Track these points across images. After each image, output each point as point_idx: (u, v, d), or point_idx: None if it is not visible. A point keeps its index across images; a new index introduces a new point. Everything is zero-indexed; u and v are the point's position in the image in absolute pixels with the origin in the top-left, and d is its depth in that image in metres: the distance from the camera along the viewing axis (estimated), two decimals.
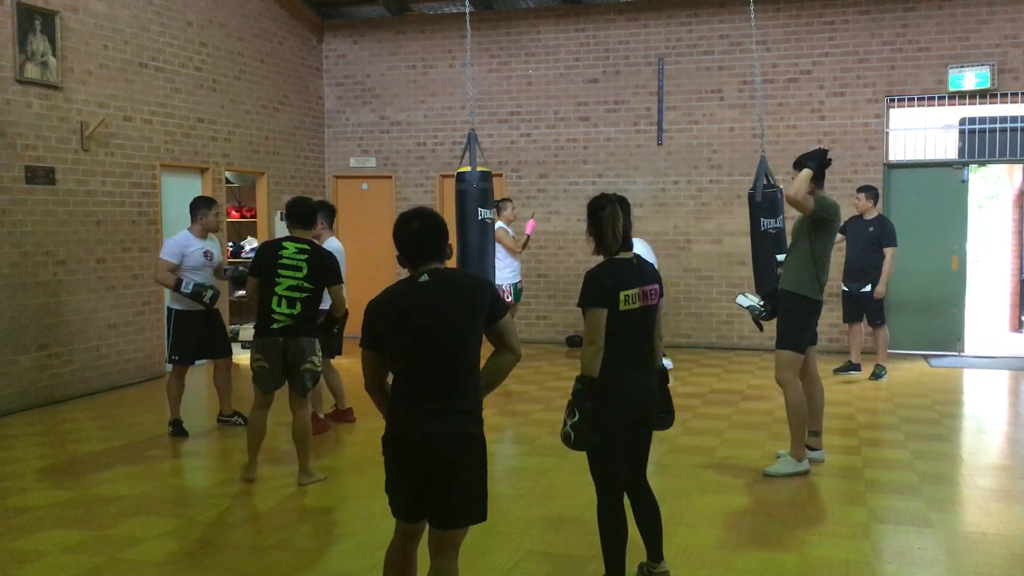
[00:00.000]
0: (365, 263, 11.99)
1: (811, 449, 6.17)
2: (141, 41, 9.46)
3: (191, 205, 7.33)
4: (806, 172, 5.75)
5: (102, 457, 6.59)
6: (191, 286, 6.99)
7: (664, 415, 4.16)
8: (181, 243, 7.13)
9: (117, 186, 9.14)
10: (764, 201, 7.52)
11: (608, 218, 3.92)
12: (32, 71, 8.15)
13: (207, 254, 7.18)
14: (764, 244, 7.58)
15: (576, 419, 3.75)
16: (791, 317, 5.96)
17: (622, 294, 3.85)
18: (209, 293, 7.06)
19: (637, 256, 4.03)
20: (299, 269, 5.71)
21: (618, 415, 3.88)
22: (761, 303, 6.40)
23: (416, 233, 3.35)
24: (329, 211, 7.34)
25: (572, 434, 3.77)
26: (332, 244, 7.11)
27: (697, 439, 6.96)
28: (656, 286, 4.02)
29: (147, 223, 9.52)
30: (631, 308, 3.88)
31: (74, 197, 8.63)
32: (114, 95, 9.10)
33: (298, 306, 5.69)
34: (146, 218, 9.51)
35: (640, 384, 3.98)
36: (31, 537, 4.94)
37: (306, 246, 5.81)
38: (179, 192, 10.08)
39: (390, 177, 12.74)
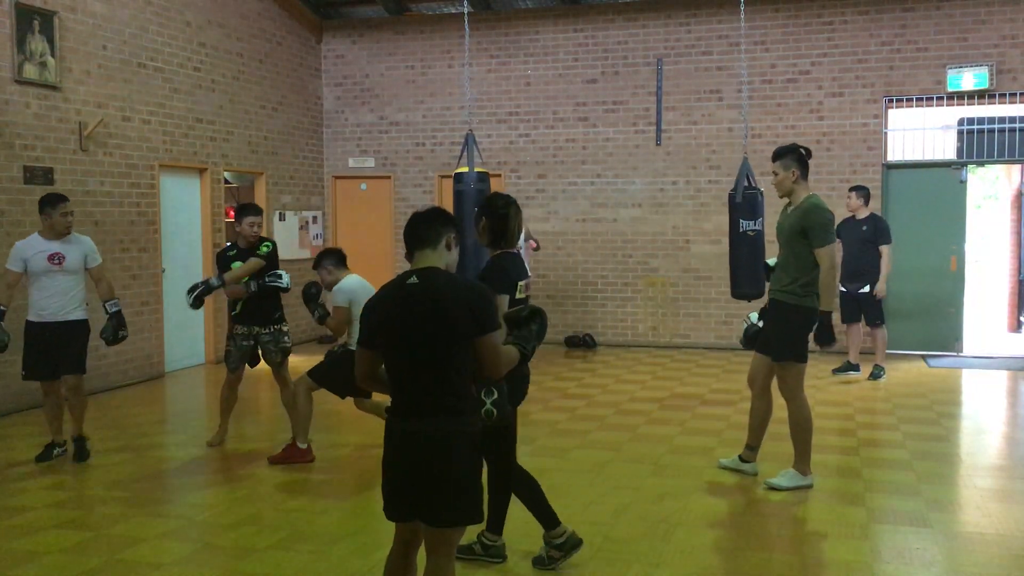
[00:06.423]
0: (364, 263, 11.96)
1: (744, 461, 6.07)
2: (140, 41, 9.45)
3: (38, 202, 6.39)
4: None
5: (100, 457, 6.58)
6: None
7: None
8: (19, 248, 6.42)
9: (116, 186, 9.13)
10: (744, 203, 7.51)
11: (514, 216, 4.39)
12: (30, 71, 8.14)
13: (54, 257, 6.33)
14: (742, 247, 7.58)
15: (495, 396, 3.82)
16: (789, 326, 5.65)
17: (520, 283, 4.34)
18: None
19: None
20: None
21: (516, 397, 4.29)
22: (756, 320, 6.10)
23: (411, 220, 3.48)
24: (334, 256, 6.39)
25: (494, 411, 3.84)
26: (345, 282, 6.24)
27: (696, 439, 6.96)
28: (528, 280, 4.47)
29: (146, 223, 9.51)
30: (521, 297, 4.34)
31: (72, 197, 8.51)
32: (113, 95, 9.09)
33: None
34: (145, 218, 9.50)
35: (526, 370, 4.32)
36: (31, 537, 4.94)
37: None
38: (178, 192, 10.09)
39: (389, 177, 12.73)
